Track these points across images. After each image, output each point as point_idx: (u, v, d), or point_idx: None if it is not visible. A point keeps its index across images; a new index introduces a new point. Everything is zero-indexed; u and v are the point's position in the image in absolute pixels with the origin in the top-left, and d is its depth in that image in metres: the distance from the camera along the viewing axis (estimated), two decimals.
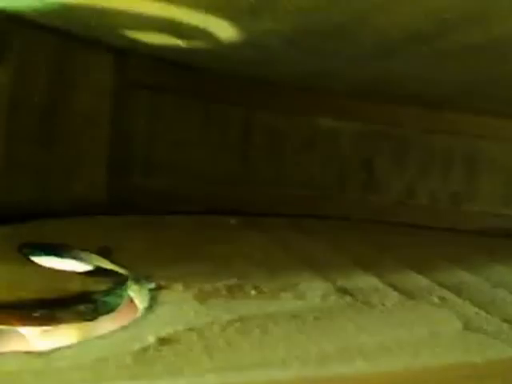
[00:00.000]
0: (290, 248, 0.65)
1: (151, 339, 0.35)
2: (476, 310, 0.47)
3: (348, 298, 0.47)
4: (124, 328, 0.36)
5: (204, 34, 0.62)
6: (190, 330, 0.37)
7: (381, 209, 0.92)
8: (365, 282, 0.53)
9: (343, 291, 0.49)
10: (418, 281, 0.55)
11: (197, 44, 0.67)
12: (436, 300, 0.49)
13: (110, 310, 0.40)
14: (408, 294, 0.50)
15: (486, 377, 0.36)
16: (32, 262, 0.48)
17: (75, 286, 0.41)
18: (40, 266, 0.47)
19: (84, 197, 0.74)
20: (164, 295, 0.43)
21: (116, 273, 0.47)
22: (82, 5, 0.58)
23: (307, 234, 0.74)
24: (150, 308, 0.41)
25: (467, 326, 0.43)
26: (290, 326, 0.40)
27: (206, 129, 0.85)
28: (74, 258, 0.50)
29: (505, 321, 0.44)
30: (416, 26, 0.53)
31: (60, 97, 0.73)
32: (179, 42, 0.67)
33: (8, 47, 0.67)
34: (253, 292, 0.47)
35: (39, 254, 0.49)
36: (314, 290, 0.49)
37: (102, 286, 0.42)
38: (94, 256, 0.50)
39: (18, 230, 0.59)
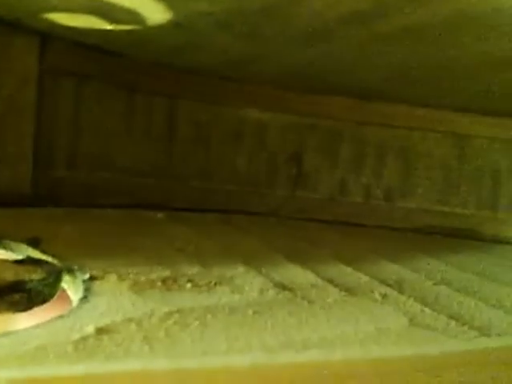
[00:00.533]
0: (221, 243, 0.65)
1: (90, 329, 0.35)
2: (421, 307, 0.48)
3: (287, 293, 0.48)
4: (61, 318, 0.36)
5: (134, 17, 0.61)
6: (129, 320, 0.37)
7: (311, 206, 0.94)
8: (302, 277, 0.54)
9: (281, 286, 0.50)
10: (358, 277, 0.57)
11: (126, 27, 0.67)
12: (378, 297, 0.50)
13: (44, 299, 0.39)
14: (349, 290, 0.51)
15: (441, 369, 0.37)
16: None
17: (8, 275, 0.40)
18: None
19: (7, 189, 0.72)
20: (99, 286, 0.43)
21: (48, 263, 0.46)
22: None
23: (237, 230, 0.75)
24: (85, 298, 0.40)
25: (413, 323, 0.44)
26: (230, 320, 0.40)
27: (130, 119, 0.85)
28: (4, 248, 0.49)
29: (451, 318, 0.45)
30: (353, 7, 0.52)
31: None
32: (107, 26, 0.66)
33: None
34: (188, 285, 0.47)
35: None
36: (251, 285, 0.49)
37: (35, 275, 0.41)
38: (24, 246, 0.49)
39: None
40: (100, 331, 0.35)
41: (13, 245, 0.49)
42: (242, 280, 0.51)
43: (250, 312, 0.42)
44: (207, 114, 0.90)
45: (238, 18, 0.60)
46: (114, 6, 0.58)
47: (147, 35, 0.69)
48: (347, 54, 0.69)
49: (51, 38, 0.76)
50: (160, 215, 0.76)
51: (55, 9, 0.63)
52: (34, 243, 0.50)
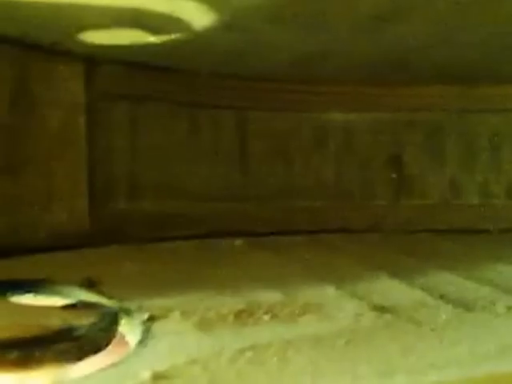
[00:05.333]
0: (308, 266, 0.64)
1: (146, 375, 0.33)
2: None
3: (388, 317, 0.46)
4: (113, 365, 0.35)
5: (175, 23, 0.61)
6: (192, 362, 0.36)
7: (419, 214, 0.90)
8: (407, 296, 0.52)
9: (381, 309, 0.47)
10: (475, 290, 0.54)
11: (170, 37, 0.67)
12: (502, 310, 0.47)
13: (96, 348, 0.38)
14: (464, 305, 0.48)
15: None
16: (4, 300, 0.47)
17: (54, 323, 0.40)
18: (13, 304, 0.46)
19: (63, 228, 0.73)
20: (159, 326, 0.42)
21: (102, 306, 0.45)
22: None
23: (329, 250, 0.73)
24: (143, 341, 0.39)
25: None
26: (316, 353, 0.38)
27: (194, 138, 0.85)
28: (55, 293, 0.49)
29: None
30: None
31: (25, 116, 0.72)
32: (150, 38, 0.67)
33: None
34: (266, 317, 0.45)
35: (13, 292, 0.48)
36: (343, 310, 0.47)
37: (85, 320, 0.40)
38: (76, 289, 0.49)
39: None
40: (157, 377, 0.33)
41: (65, 289, 0.50)
42: (333, 306, 0.48)
43: (342, 342, 0.40)
44: (283, 123, 0.89)
45: (288, 8, 0.59)
46: (148, 13, 0.58)
47: (197, 44, 0.69)
48: (424, 32, 0.67)
49: (96, 62, 0.77)
50: (238, 242, 0.75)
51: (88, 27, 0.64)
52: (89, 285, 0.50)
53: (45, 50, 0.73)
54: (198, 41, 0.68)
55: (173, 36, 0.66)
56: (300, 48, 0.72)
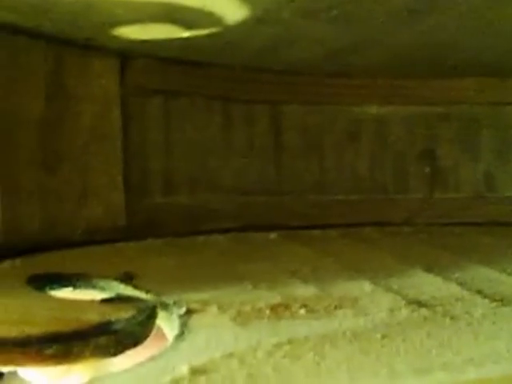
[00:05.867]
0: (343, 260, 0.63)
1: (183, 370, 0.34)
2: None
3: (424, 311, 0.45)
4: (152, 359, 0.36)
5: (208, 18, 0.62)
6: (230, 356, 0.36)
7: (453, 208, 0.90)
8: (443, 291, 0.51)
9: (417, 303, 0.47)
10: None
11: (204, 32, 0.67)
12: None
13: (135, 341, 0.39)
14: (502, 300, 0.48)
15: None
16: (43, 294, 0.48)
17: (92, 317, 0.40)
18: (51, 298, 0.47)
19: (98, 223, 0.74)
20: (196, 320, 0.43)
21: (140, 300, 0.46)
22: None
23: (364, 244, 0.73)
24: (181, 335, 0.40)
25: None
26: (352, 347, 0.38)
27: (228, 132, 0.85)
28: (92, 287, 0.50)
29: None
30: None
31: (61, 111, 0.73)
32: (184, 34, 0.67)
33: None
34: (302, 311, 0.45)
35: (51, 286, 0.49)
36: (379, 305, 0.47)
37: (123, 314, 0.41)
38: (114, 283, 0.50)
39: (27, 263, 0.59)
40: (195, 371, 0.34)
41: (102, 283, 0.50)
42: (368, 300, 0.48)
43: (378, 336, 0.40)
44: (317, 117, 0.89)
45: (322, 1, 0.58)
46: (180, 7, 0.59)
47: (230, 38, 0.69)
48: (460, 24, 0.66)
49: (130, 57, 0.78)
50: (273, 236, 0.76)
51: (122, 22, 0.64)
52: (126, 279, 0.51)
53: (79, 45, 0.74)
54: (230, 35, 0.68)
55: (205, 31, 0.66)
56: (334, 41, 0.72)
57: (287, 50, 0.75)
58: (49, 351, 0.35)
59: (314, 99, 0.89)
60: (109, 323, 0.39)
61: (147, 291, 0.48)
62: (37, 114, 0.70)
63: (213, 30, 0.66)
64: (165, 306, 0.45)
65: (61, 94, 0.73)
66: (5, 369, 0.39)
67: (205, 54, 0.79)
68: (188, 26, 0.65)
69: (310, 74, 0.87)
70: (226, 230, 0.78)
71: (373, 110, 0.91)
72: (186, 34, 0.67)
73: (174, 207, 0.80)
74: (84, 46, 0.74)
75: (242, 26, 0.64)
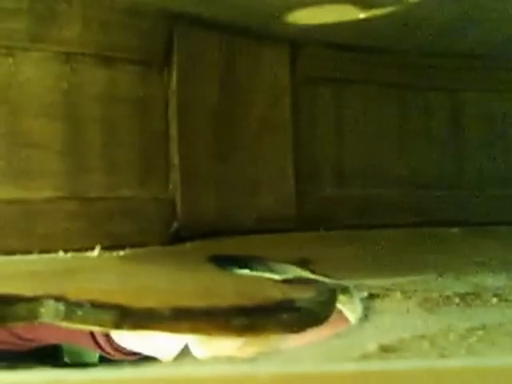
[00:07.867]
0: None
1: (373, 346, 0.34)
2: None
3: None
4: (338, 336, 0.36)
5: None
6: (420, 338, 0.36)
7: None
8: None
9: None
10: None
11: (382, 11, 0.66)
12: None
13: (317, 320, 0.40)
14: None
15: None
16: (226, 270, 0.50)
17: (275, 294, 0.41)
18: (235, 274, 0.49)
19: (270, 212, 0.76)
20: (380, 304, 0.42)
21: (319, 282, 0.47)
22: None
23: None
24: (365, 317, 0.40)
25: None
26: None
27: (404, 122, 0.84)
28: (269, 270, 0.52)
29: None
30: None
31: (233, 100, 0.75)
32: (360, 15, 0.67)
33: (173, 49, 0.70)
34: (494, 300, 0.44)
35: (230, 266, 0.52)
36: None
37: (304, 294, 0.42)
38: (291, 267, 0.51)
39: (205, 245, 0.63)
40: (385, 349, 0.34)
41: (279, 266, 0.52)
42: None
43: None
44: (500, 106, 0.86)
45: None
46: None
47: (409, 19, 0.68)
48: None
49: (300, 45, 0.79)
50: (455, 230, 0.74)
51: (298, 5, 0.65)
52: (303, 264, 0.52)
53: (251, 35, 0.76)
54: (410, 14, 0.67)
55: (385, 10, 0.66)
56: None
57: (470, 31, 0.73)
58: (235, 322, 0.37)
59: (496, 86, 0.86)
60: (292, 300, 0.40)
61: (325, 275, 0.49)
62: (211, 104, 0.73)
63: (393, 8, 0.65)
64: (345, 290, 0.45)
65: (233, 84, 0.75)
66: (190, 337, 0.41)
67: (379, 39, 0.78)
68: (368, 4, 0.64)
69: (492, 59, 0.84)
70: (401, 225, 0.77)
71: None
72: (362, 14, 0.67)
73: (345, 199, 0.81)
74: (256, 35, 0.76)
75: (426, 2, 0.63)
